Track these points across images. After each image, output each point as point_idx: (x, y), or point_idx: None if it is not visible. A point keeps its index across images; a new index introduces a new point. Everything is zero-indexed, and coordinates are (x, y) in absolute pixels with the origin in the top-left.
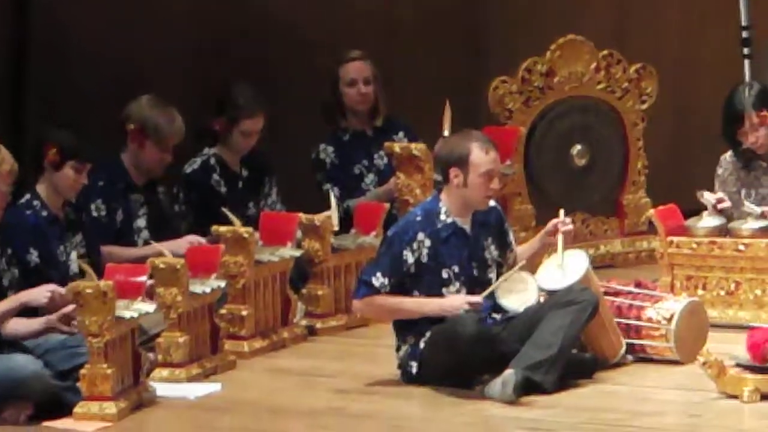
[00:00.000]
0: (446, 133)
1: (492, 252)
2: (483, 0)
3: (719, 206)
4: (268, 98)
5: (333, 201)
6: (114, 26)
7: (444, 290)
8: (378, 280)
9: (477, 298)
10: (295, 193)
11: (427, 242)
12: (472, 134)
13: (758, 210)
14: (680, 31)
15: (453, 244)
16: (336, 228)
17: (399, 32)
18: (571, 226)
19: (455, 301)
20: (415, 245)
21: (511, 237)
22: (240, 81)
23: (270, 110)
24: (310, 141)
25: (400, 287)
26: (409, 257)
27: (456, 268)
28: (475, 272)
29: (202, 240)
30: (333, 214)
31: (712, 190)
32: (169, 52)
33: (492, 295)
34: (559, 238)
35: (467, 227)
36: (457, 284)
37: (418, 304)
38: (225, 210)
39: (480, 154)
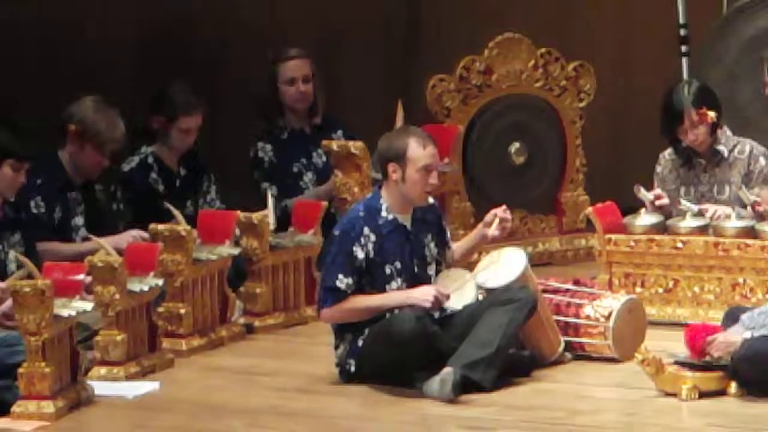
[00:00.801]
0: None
1: (432, 249)
2: None
3: (657, 203)
4: (206, 96)
5: (270, 200)
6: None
7: (387, 287)
8: (342, 282)
9: (446, 290)
10: (233, 191)
11: (372, 237)
12: (409, 130)
13: (695, 208)
14: (618, 29)
15: (395, 240)
16: (272, 227)
17: (338, 31)
18: (509, 216)
19: (424, 290)
20: (362, 240)
21: (448, 235)
22: (177, 79)
23: (208, 108)
24: (249, 139)
25: (357, 285)
26: (359, 253)
27: (398, 264)
28: (416, 269)
29: (145, 234)
30: (270, 213)
31: (651, 188)
32: (111, 50)
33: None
34: (495, 223)
35: (408, 224)
36: (399, 280)
37: (386, 299)
38: (168, 205)
39: (417, 149)
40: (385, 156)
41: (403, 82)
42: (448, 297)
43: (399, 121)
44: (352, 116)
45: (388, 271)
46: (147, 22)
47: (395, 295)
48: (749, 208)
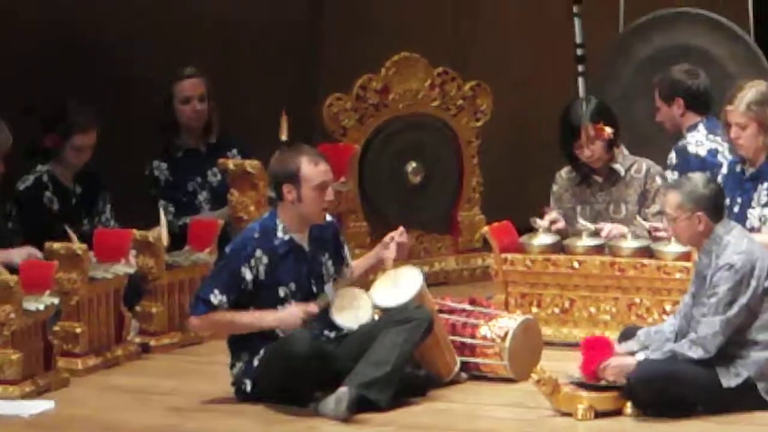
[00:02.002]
0: (284, 138)
1: (329, 267)
2: (319, 17)
3: (553, 228)
4: (101, 114)
5: (162, 217)
6: None
7: (279, 308)
8: (216, 297)
9: (312, 308)
10: (129, 209)
11: (265, 259)
12: (300, 149)
13: (592, 227)
14: (518, 49)
15: (291, 261)
16: (165, 243)
17: (236, 50)
18: (405, 239)
19: (292, 311)
20: (252, 262)
21: (347, 251)
22: (71, 98)
23: (102, 126)
24: (144, 157)
25: (237, 305)
26: (247, 274)
27: (293, 286)
28: (313, 288)
29: (39, 254)
30: (163, 229)
31: (548, 205)
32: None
33: (326, 313)
34: (392, 249)
35: (305, 244)
36: (293, 302)
37: (256, 318)
38: (66, 227)
39: (310, 168)
40: (278, 177)
41: (302, 101)
42: (316, 313)
43: (284, 133)
44: (248, 135)
45: (281, 293)
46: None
47: (265, 316)
48: (646, 231)
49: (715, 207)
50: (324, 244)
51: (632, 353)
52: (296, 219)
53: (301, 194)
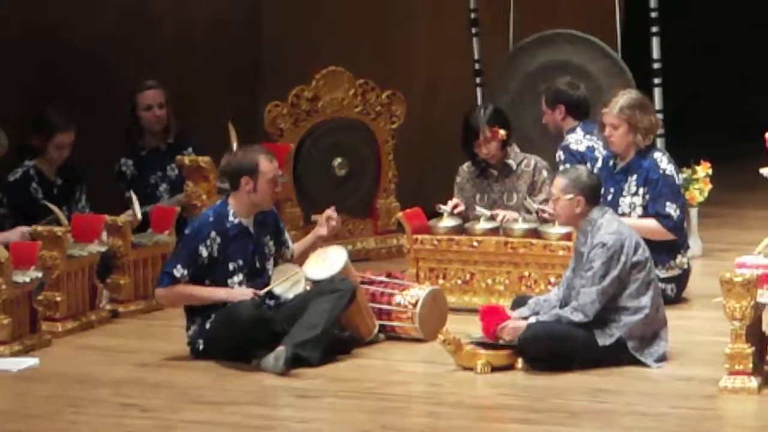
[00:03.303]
0: (234, 146)
1: (270, 247)
2: (261, 34)
3: (455, 211)
4: (78, 119)
5: (135, 200)
6: None
7: (229, 280)
8: (178, 271)
9: (261, 293)
10: (102, 198)
11: (218, 239)
12: (256, 148)
13: (488, 213)
14: (426, 63)
15: (240, 241)
16: (139, 218)
17: (193, 60)
18: (335, 214)
19: (244, 291)
20: (208, 242)
21: (287, 235)
22: (53, 102)
23: (79, 127)
24: (114, 155)
25: (195, 277)
26: (204, 252)
27: (240, 262)
28: (257, 264)
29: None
30: (136, 208)
31: (451, 196)
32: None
33: (267, 284)
34: (323, 219)
35: (251, 226)
36: (241, 275)
37: (211, 293)
38: (47, 203)
39: (267, 164)
40: (238, 171)
41: (247, 107)
42: (259, 295)
43: (233, 139)
44: (203, 134)
45: (231, 267)
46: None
47: (219, 292)
48: (534, 214)
49: (593, 194)
50: (266, 227)
51: (524, 318)
52: (246, 206)
53: (257, 185)
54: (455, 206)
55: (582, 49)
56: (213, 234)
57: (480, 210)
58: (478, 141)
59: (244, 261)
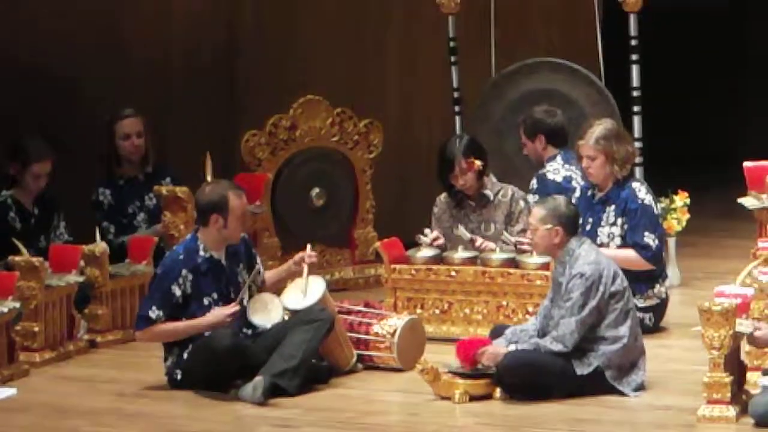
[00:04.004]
0: (209, 178)
1: (243, 275)
2: (239, 63)
3: (435, 244)
4: (56, 148)
5: (98, 235)
6: None
7: (207, 314)
8: (154, 312)
9: (235, 308)
10: (79, 227)
11: (190, 276)
12: (224, 184)
13: (468, 235)
14: (404, 92)
15: (212, 275)
16: (103, 251)
17: (170, 90)
18: (315, 259)
19: (216, 314)
20: (180, 280)
21: (259, 261)
22: (29, 133)
23: (56, 157)
24: (91, 184)
25: (170, 316)
26: (177, 291)
27: (215, 295)
28: (232, 295)
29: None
30: (98, 244)
31: (429, 226)
32: None
33: (244, 314)
34: (305, 268)
35: (222, 259)
36: (216, 309)
37: (190, 325)
38: (15, 241)
39: (236, 201)
40: (207, 208)
41: (223, 138)
42: (239, 310)
43: (208, 172)
44: (181, 163)
45: (206, 302)
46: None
47: (196, 323)
48: (513, 246)
49: (571, 224)
50: (238, 256)
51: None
52: (216, 240)
53: (227, 222)
54: (435, 239)
55: (565, 76)
56: (184, 272)
57: (461, 231)
58: (454, 173)
59: (218, 294)
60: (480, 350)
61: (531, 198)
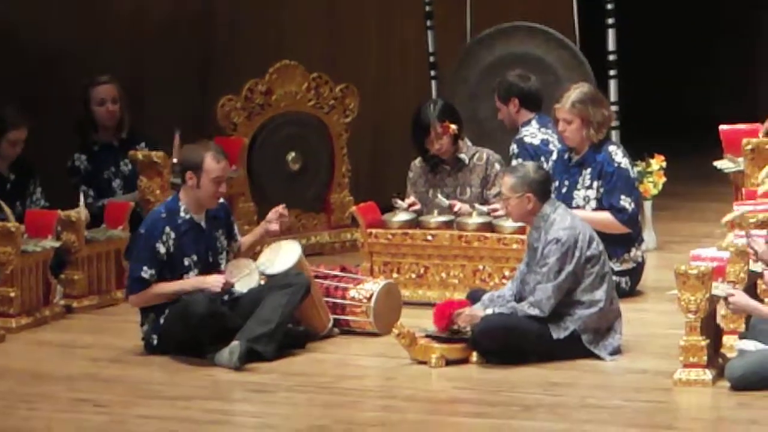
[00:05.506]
0: (175, 160)
1: (222, 241)
2: (215, 29)
3: (411, 209)
4: (32, 114)
5: (81, 199)
6: None
7: (185, 275)
8: (146, 273)
9: (232, 279)
10: (55, 193)
11: (172, 234)
12: (208, 145)
13: (446, 202)
14: (380, 57)
15: (191, 236)
16: (85, 219)
17: (145, 55)
18: (286, 215)
19: (215, 278)
20: (164, 237)
21: (236, 229)
22: (5, 100)
23: (33, 123)
24: (67, 150)
25: (159, 275)
26: (161, 248)
27: (194, 257)
28: (210, 259)
29: None
30: (81, 209)
31: (405, 190)
32: None
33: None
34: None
35: (202, 222)
36: (196, 270)
37: (183, 285)
38: (1, 203)
39: (212, 163)
40: (185, 164)
41: (200, 101)
42: (232, 284)
43: (176, 150)
44: (156, 128)
45: (186, 262)
46: None
47: (191, 281)
48: (487, 215)
49: (542, 190)
50: (218, 222)
51: None
52: (194, 202)
53: (200, 182)
54: (411, 204)
55: (539, 41)
56: (167, 229)
57: (440, 199)
58: (429, 137)
59: (197, 256)
60: (457, 311)
61: (515, 163)
